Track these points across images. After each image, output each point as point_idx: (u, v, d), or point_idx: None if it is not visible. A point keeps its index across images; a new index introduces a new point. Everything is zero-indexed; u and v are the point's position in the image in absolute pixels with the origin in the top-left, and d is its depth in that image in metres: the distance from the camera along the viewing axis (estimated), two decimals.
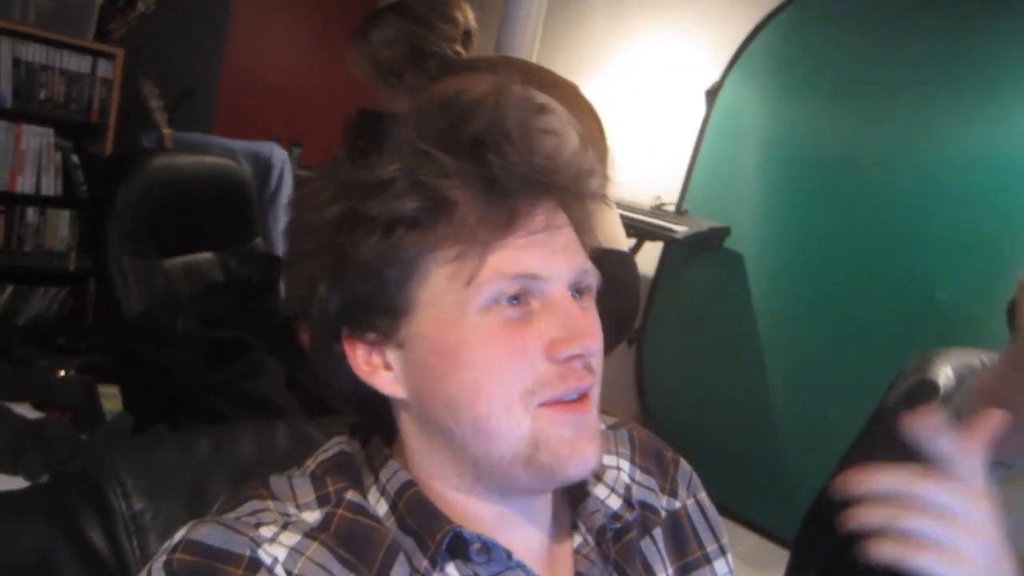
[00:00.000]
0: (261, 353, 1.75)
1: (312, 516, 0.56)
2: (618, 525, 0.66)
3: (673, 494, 0.73)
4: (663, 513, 0.71)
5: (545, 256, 0.56)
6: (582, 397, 0.57)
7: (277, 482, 0.58)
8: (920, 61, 2.54)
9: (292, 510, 0.56)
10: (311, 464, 0.62)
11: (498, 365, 0.55)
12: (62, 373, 1.70)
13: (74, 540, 0.73)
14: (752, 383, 2.87)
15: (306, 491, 0.57)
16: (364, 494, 0.59)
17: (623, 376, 3.21)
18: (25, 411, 1.34)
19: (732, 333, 2.94)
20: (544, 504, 0.64)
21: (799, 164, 2.79)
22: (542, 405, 0.55)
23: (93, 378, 1.51)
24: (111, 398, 1.49)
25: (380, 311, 0.57)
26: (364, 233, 0.55)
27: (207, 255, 2.07)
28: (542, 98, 1.73)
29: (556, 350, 0.55)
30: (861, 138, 2.64)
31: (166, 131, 2.62)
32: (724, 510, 2.61)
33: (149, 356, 1.67)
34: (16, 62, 2.50)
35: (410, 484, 0.59)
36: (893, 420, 1.61)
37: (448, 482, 0.60)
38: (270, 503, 0.56)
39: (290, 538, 0.53)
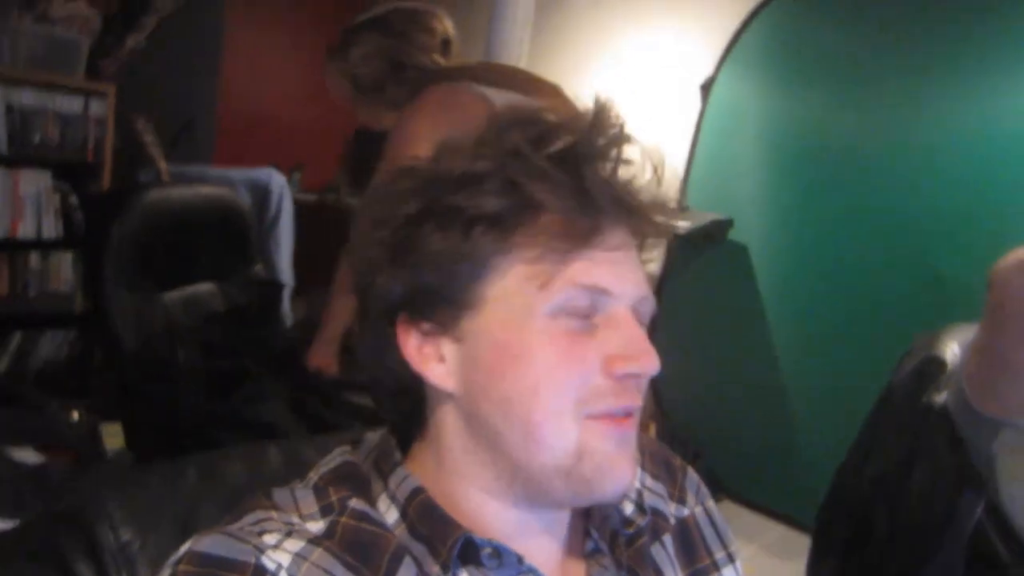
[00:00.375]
0: (263, 379, 1.74)
1: (316, 526, 0.56)
2: (630, 530, 0.66)
3: (682, 501, 0.74)
4: (672, 520, 0.72)
5: (618, 274, 0.57)
6: (627, 415, 0.58)
7: (280, 494, 0.58)
8: (914, 40, 2.52)
9: (296, 520, 0.56)
10: (313, 476, 0.62)
11: (556, 370, 0.55)
12: (75, 415, 1.70)
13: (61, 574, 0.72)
14: (764, 372, 2.85)
15: (309, 502, 0.58)
16: (372, 502, 0.59)
17: None
18: (27, 455, 1.33)
19: (742, 324, 2.92)
20: (565, 515, 0.64)
21: (798, 152, 2.77)
22: (590, 417, 0.56)
23: (97, 417, 1.50)
24: (114, 435, 1.47)
25: (444, 303, 0.57)
26: (443, 224, 0.56)
27: (207, 285, 2.07)
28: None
29: (615, 365, 0.56)
30: (859, 122, 2.62)
31: (162, 165, 2.64)
32: (747, 503, 2.59)
33: (151, 390, 1.67)
34: (9, 108, 2.52)
35: (419, 491, 0.59)
36: (901, 399, 1.58)
37: (477, 483, 0.59)
38: (273, 513, 0.56)
39: (294, 544, 0.53)
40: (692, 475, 0.78)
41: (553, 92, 1.79)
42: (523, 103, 0.63)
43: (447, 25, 1.73)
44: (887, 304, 2.53)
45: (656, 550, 0.69)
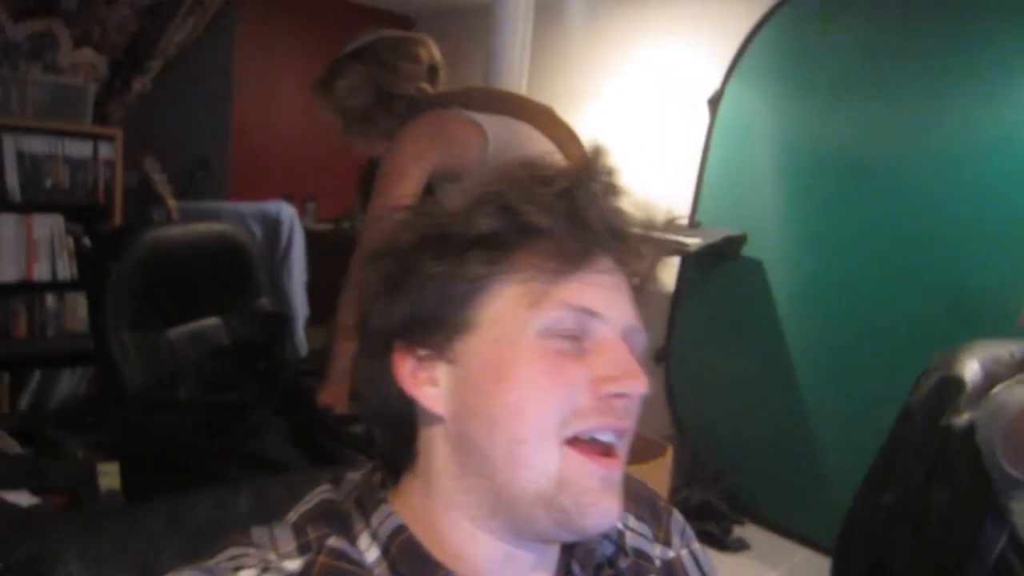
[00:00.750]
0: (263, 413, 1.74)
1: (293, 564, 0.55)
2: (611, 572, 0.65)
3: (667, 543, 0.73)
4: (657, 562, 0.71)
5: (608, 299, 0.59)
6: (613, 451, 0.58)
7: (258, 532, 0.58)
8: (928, 45, 2.47)
9: (272, 557, 0.55)
10: (292, 515, 0.61)
11: (542, 390, 0.56)
12: (80, 455, 1.71)
13: None
14: (784, 391, 2.78)
15: (287, 540, 0.57)
16: (353, 540, 0.58)
17: (654, 395, 3.13)
18: (21, 497, 1.34)
19: (759, 341, 2.87)
20: (552, 553, 0.63)
21: (811, 163, 2.73)
22: (573, 444, 0.56)
23: (95, 457, 1.51)
24: (110, 475, 1.48)
25: (440, 327, 0.59)
26: (441, 250, 0.58)
27: (212, 320, 2.08)
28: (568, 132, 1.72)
29: (603, 385, 0.56)
30: (874, 131, 2.57)
31: (172, 203, 2.68)
32: (770, 525, 2.53)
33: (151, 426, 1.67)
34: (20, 155, 2.60)
35: (402, 529, 0.58)
36: (918, 421, 1.53)
37: (464, 512, 0.59)
38: (251, 549, 0.56)
39: None
40: (677, 516, 0.77)
41: (546, 114, 1.78)
42: (530, 159, 0.64)
43: (433, 51, 1.72)
44: (910, 320, 2.47)
45: None
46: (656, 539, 0.72)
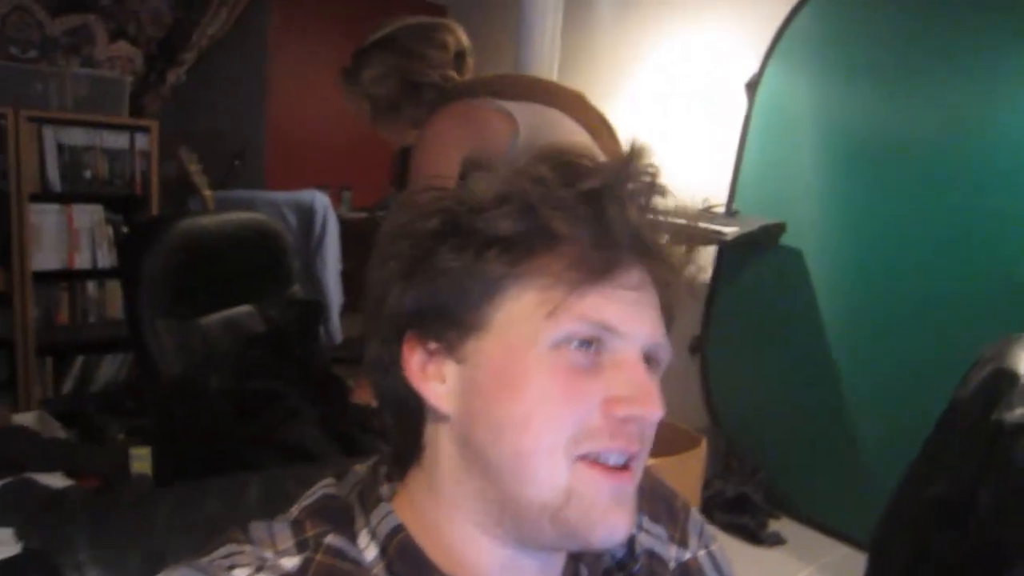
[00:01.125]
0: (294, 400, 1.75)
1: (291, 562, 0.54)
2: (622, 575, 0.64)
3: (683, 544, 0.72)
4: (672, 563, 0.69)
5: (629, 314, 0.55)
6: (625, 467, 0.55)
7: (256, 528, 0.57)
8: (976, 23, 2.36)
9: (270, 555, 0.55)
10: (294, 510, 0.61)
11: (551, 404, 0.53)
12: (121, 438, 1.75)
13: None
14: (824, 384, 2.71)
15: (285, 537, 0.56)
16: (353, 537, 0.57)
17: (689, 388, 3.10)
18: (55, 480, 1.38)
19: (797, 331, 2.80)
20: (558, 559, 0.62)
21: (853, 149, 2.64)
22: (583, 459, 0.54)
23: (132, 441, 1.55)
24: (142, 460, 1.51)
25: (453, 323, 0.56)
26: (460, 244, 0.55)
27: (246, 308, 2.11)
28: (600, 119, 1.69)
29: (615, 406, 0.54)
30: (919, 114, 2.47)
31: (207, 193, 2.72)
32: (807, 520, 2.48)
33: (184, 413, 1.70)
34: (60, 147, 2.67)
35: (399, 529, 0.57)
36: (967, 416, 1.48)
37: (468, 515, 0.57)
38: (247, 547, 0.55)
39: None
40: (695, 516, 0.74)
41: (577, 100, 1.75)
42: (562, 146, 0.61)
43: (460, 37, 1.70)
44: (956, 310, 2.37)
45: None
46: (672, 540, 0.70)
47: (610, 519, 0.54)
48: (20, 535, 1.14)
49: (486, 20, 3.28)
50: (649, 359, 0.57)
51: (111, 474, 1.46)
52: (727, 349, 3.04)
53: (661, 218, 0.58)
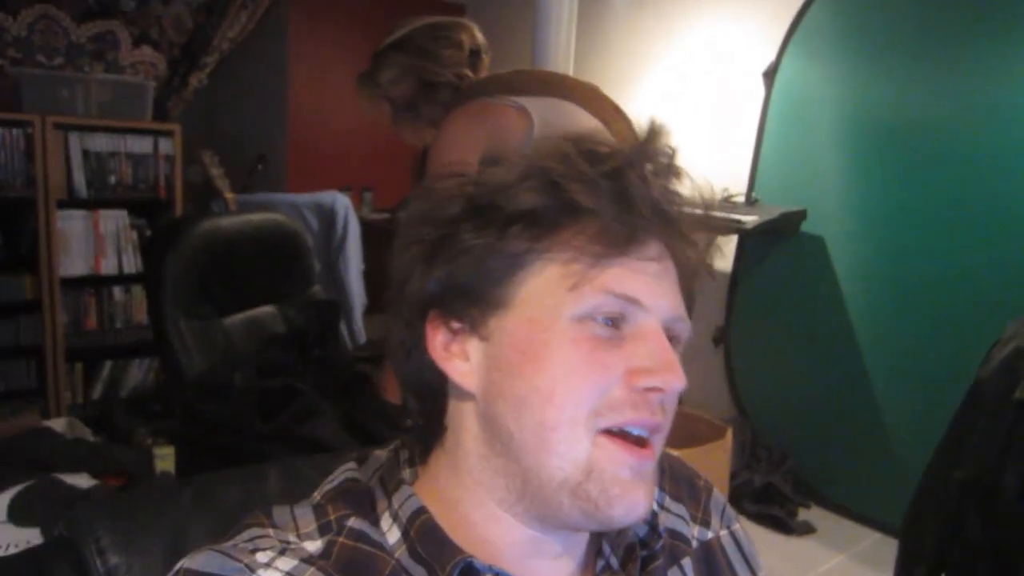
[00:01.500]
0: (314, 399, 1.77)
1: (314, 545, 0.55)
2: (644, 552, 0.63)
3: (705, 524, 0.71)
4: (694, 543, 0.69)
5: (652, 287, 0.56)
6: (646, 443, 0.55)
7: (279, 512, 0.58)
8: (993, 6, 2.33)
9: (292, 538, 0.55)
10: (316, 495, 0.62)
11: (575, 375, 0.53)
12: (148, 442, 1.77)
13: None
14: (848, 370, 2.69)
15: (307, 520, 0.57)
16: (376, 521, 0.58)
17: (714, 378, 3.08)
18: (81, 480, 1.40)
19: (821, 319, 2.78)
20: (581, 539, 0.61)
21: (874, 135, 2.61)
22: (605, 433, 0.54)
23: (156, 442, 1.57)
24: (166, 459, 1.54)
25: (476, 300, 0.57)
26: (482, 223, 0.56)
27: (267, 308, 2.13)
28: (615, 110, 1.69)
29: (638, 377, 0.54)
30: (939, 100, 2.44)
31: (229, 195, 2.75)
32: (836, 508, 2.46)
33: (207, 412, 1.72)
34: (86, 153, 2.71)
35: (421, 511, 0.57)
36: (990, 394, 1.46)
37: (491, 494, 0.58)
38: (270, 530, 0.56)
39: (286, 563, 0.52)
40: (718, 496, 0.74)
41: (590, 92, 1.75)
42: (581, 132, 0.61)
43: (475, 35, 1.70)
44: (979, 295, 2.35)
45: (674, 574, 0.66)
46: (694, 519, 0.70)
47: (630, 495, 0.54)
48: (46, 533, 1.15)
49: (502, 18, 3.28)
50: (670, 335, 0.57)
51: (135, 474, 1.48)
52: (751, 338, 3.02)
53: (680, 196, 0.58)
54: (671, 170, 0.58)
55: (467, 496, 0.58)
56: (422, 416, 0.64)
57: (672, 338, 0.57)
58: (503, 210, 0.55)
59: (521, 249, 0.55)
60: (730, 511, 0.74)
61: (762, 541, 2.49)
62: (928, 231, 2.49)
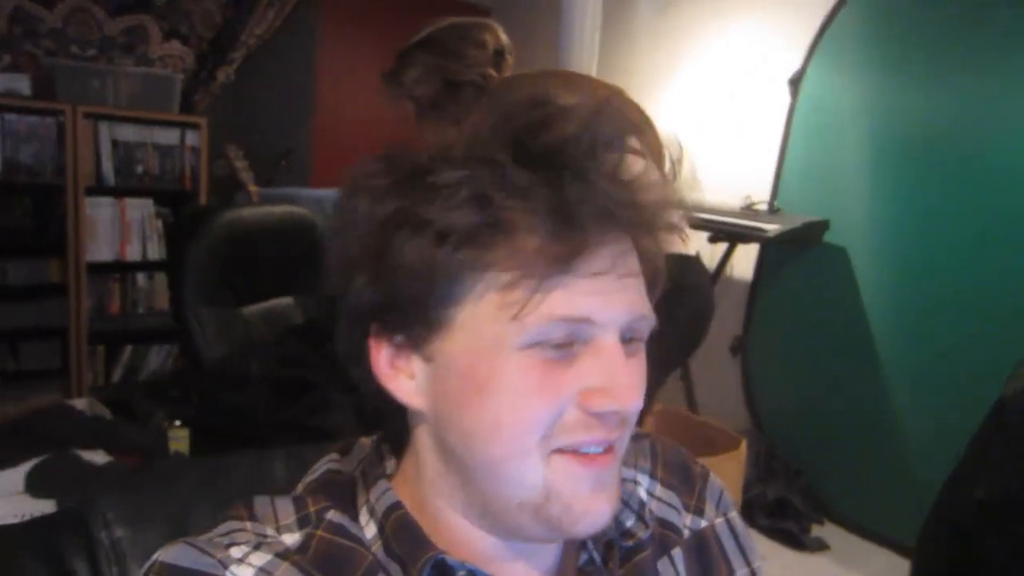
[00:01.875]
0: (329, 390, 1.78)
1: (292, 538, 0.54)
2: (630, 543, 0.61)
3: (699, 512, 0.68)
4: (686, 532, 0.66)
5: (603, 301, 0.51)
6: (607, 449, 0.53)
7: (260, 504, 0.57)
8: (1022, 17, 2.29)
9: (270, 531, 0.54)
10: (299, 486, 0.61)
11: (524, 405, 0.50)
12: (165, 424, 1.80)
13: (57, 570, 0.76)
14: (868, 385, 2.65)
15: (287, 512, 0.56)
16: (355, 514, 0.57)
17: (730, 388, 3.06)
18: (97, 456, 1.44)
19: (842, 332, 2.74)
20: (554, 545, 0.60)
21: (898, 145, 2.58)
22: (558, 452, 0.51)
23: (169, 423, 1.60)
24: (180, 440, 1.56)
25: (414, 319, 0.52)
26: (413, 235, 0.51)
27: (286, 300, 2.15)
28: (640, 114, 1.68)
29: (591, 402, 0.51)
30: (967, 110, 2.40)
31: (252, 189, 2.78)
32: (852, 525, 2.42)
33: (224, 399, 1.74)
34: (115, 143, 2.77)
35: (396, 506, 0.56)
36: (1015, 415, 1.43)
37: (455, 507, 0.56)
38: (248, 524, 0.55)
39: (260, 558, 0.51)
40: (714, 482, 0.71)
41: (616, 96, 1.75)
42: (531, 91, 0.54)
43: (500, 36, 1.71)
44: (1004, 310, 2.30)
45: (663, 565, 0.63)
46: (686, 508, 0.67)
47: (592, 509, 0.52)
48: (61, 506, 1.19)
49: (527, 20, 3.29)
50: (631, 336, 0.54)
51: (150, 452, 1.51)
52: (769, 349, 2.99)
53: (636, 184, 0.53)
54: (626, 146, 0.52)
55: (432, 504, 0.57)
56: (386, 418, 0.61)
57: (633, 339, 0.54)
58: (434, 223, 0.50)
59: (457, 269, 0.50)
60: (727, 497, 0.71)
61: (774, 556, 2.46)
62: (955, 244, 2.44)
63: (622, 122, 0.52)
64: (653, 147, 0.57)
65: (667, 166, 0.56)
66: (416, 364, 0.54)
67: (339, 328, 0.58)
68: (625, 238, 0.53)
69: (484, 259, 0.50)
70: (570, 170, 0.49)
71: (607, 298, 0.51)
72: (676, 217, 0.55)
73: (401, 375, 0.55)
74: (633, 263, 0.53)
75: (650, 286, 0.56)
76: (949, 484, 1.61)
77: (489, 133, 0.52)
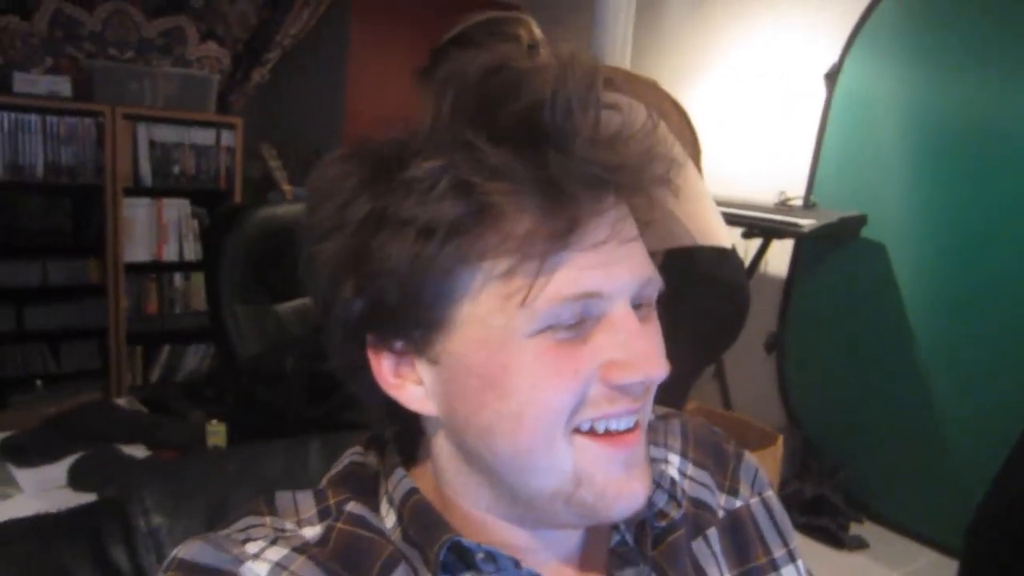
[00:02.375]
0: None
1: (312, 531, 0.53)
2: (663, 523, 0.59)
3: (734, 491, 0.66)
4: (720, 512, 0.64)
5: (608, 272, 0.48)
6: (634, 426, 0.51)
7: (282, 498, 0.56)
8: None
9: (290, 525, 0.54)
10: (323, 480, 0.60)
11: (544, 391, 0.48)
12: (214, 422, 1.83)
13: (96, 558, 0.76)
14: (907, 381, 2.60)
15: (308, 505, 0.55)
16: (376, 505, 0.56)
17: (765, 386, 3.02)
18: (137, 451, 1.46)
19: (879, 328, 2.69)
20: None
21: (936, 140, 2.53)
22: (585, 434, 0.50)
23: (205, 417, 1.62)
24: (217, 434, 1.58)
25: (411, 323, 0.50)
26: (395, 235, 0.48)
27: None
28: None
29: (614, 375, 0.49)
30: (1007, 103, 2.35)
31: (286, 187, 2.81)
32: (891, 524, 2.39)
33: (259, 395, 1.76)
34: (152, 143, 2.81)
35: (413, 492, 0.54)
36: None
37: (479, 504, 0.55)
38: (267, 519, 0.54)
39: (276, 553, 0.50)
40: (749, 461, 0.68)
41: (648, 87, 1.74)
42: (488, 58, 0.49)
43: (533, 30, 1.69)
44: None
45: (698, 546, 0.62)
46: (720, 487, 0.65)
47: (625, 492, 0.51)
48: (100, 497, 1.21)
49: (559, 16, 3.28)
50: (640, 302, 0.52)
51: (188, 447, 1.53)
52: (804, 346, 2.95)
53: (617, 143, 0.49)
54: (600, 102, 0.48)
55: (454, 502, 0.55)
56: (399, 422, 0.58)
57: (643, 305, 0.52)
58: (415, 221, 0.47)
59: (449, 265, 0.47)
60: (763, 476, 0.68)
61: (812, 554, 2.42)
62: (995, 239, 2.39)
63: (591, 74, 0.48)
64: (628, 94, 0.49)
65: (643, 115, 0.51)
66: (422, 369, 0.52)
67: (333, 345, 0.55)
68: (620, 202, 0.50)
69: (476, 250, 0.47)
70: (549, 138, 0.46)
71: (612, 268, 0.48)
72: (664, 168, 0.51)
73: (407, 383, 0.53)
74: (631, 227, 0.51)
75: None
76: (996, 482, 1.56)
77: (450, 111, 0.49)
